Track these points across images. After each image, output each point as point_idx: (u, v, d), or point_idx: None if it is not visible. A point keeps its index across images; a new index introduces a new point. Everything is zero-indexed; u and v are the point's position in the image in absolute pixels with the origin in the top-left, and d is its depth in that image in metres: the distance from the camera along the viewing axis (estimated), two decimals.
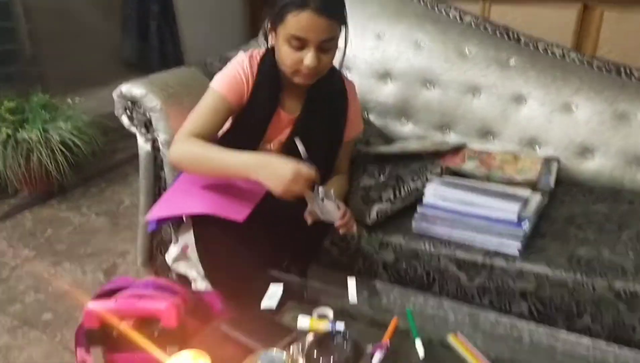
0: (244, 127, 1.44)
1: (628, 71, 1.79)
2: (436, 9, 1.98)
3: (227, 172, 1.34)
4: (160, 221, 1.42)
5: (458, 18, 1.95)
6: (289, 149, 1.50)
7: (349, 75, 2.00)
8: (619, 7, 2.26)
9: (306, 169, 1.27)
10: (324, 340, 0.94)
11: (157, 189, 1.82)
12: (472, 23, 1.93)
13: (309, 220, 1.37)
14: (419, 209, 1.51)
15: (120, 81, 1.73)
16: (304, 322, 1.12)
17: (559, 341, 1.41)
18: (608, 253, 1.40)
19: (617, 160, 1.73)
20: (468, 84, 1.88)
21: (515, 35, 1.90)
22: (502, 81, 1.85)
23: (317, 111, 1.51)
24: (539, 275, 1.37)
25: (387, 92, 1.99)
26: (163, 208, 1.40)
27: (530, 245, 1.43)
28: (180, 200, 1.39)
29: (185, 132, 1.40)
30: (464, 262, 1.44)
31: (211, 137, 1.42)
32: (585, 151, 1.77)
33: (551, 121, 1.79)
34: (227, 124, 1.48)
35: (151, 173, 1.80)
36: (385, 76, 1.99)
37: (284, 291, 1.26)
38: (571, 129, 1.77)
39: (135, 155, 1.80)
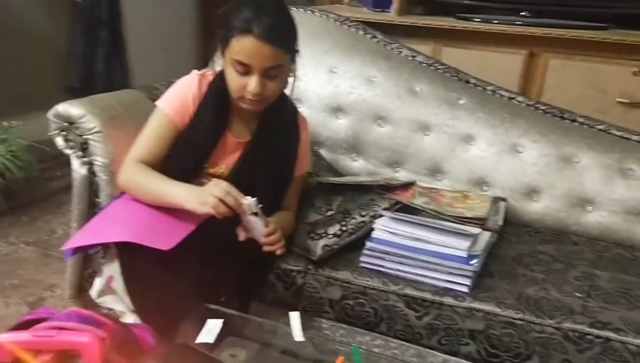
0: (188, 148, 1.39)
1: (572, 117, 1.83)
2: (389, 46, 1.99)
3: (166, 201, 1.33)
4: (79, 250, 1.32)
5: (410, 57, 1.97)
6: (237, 175, 1.44)
7: (301, 108, 1.97)
8: (563, 55, 2.35)
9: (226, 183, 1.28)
10: None
11: (92, 216, 1.70)
12: (424, 62, 1.95)
13: (241, 236, 1.33)
14: (368, 244, 1.46)
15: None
16: None
17: None
18: (556, 293, 1.38)
19: (562, 202, 1.75)
20: (419, 122, 1.88)
21: (465, 77, 1.92)
22: (452, 120, 1.86)
23: (267, 139, 1.47)
24: (488, 315, 1.34)
25: (339, 126, 1.97)
26: (82, 236, 1.30)
27: (480, 284, 1.40)
28: (103, 227, 1.30)
29: (131, 159, 1.41)
30: (413, 299, 1.40)
31: (158, 161, 1.41)
32: (531, 192, 1.78)
33: (499, 162, 1.80)
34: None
35: (85, 199, 1.69)
36: (337, 110, 1.97)
37: (223, 326, 1.17)
38: (518, 170, 1.79)
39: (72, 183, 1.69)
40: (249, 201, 1.28)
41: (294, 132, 1.53)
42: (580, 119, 1.83)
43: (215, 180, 1.27)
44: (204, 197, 1.26)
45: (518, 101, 1.87)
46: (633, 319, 1.29)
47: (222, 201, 1.24)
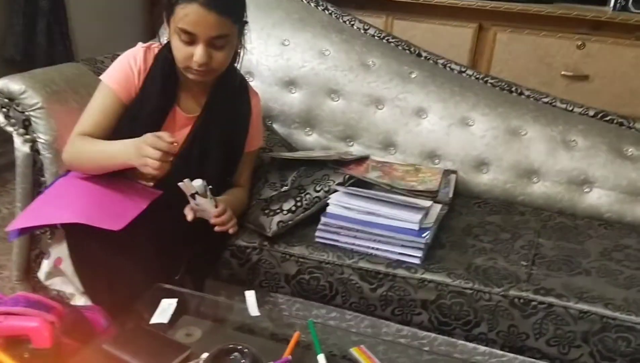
0: (135, 123, 1.35)
1: (519, 90, 1.88)
2: (341, 19, 1.98)
3: (112, 163, 1.32)
4: (24, 231, 1.28)
5: (362, 30, 1.96)
6: (187, 152, 1.42)
7: (253, 82, 1.94)
8: (510, 28, 2.40)
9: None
10: (220, 357, 0.86)
11: (37, 196, 1.64)
12: (376, 35, 1.95)
13: (189, 216, 1.31)
14: (323, 219, 1.47)
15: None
16: None
17: (457, 350, 1.42)
18: (503, 262, 1.43)
19: (510, 173, 1.80)
20: (371, 96, 1.89)
21: (417, 50, 1.93)
22: (404, 94, 1.87)
23: (217, 113, 1.44)
24: (439, 285, 1.37)
25: (292, 100, 1.95)
26: (27, 217, 1.26)
27: (431, 256, 1.44)
28: (48, 208, 1.26)
29: (75, 133, 1.37)
30: (367, 272, 1.42)
31: (104, 135, 1.37)
32: (480, 164, 1.82)
33: (450, 135, 1.84)
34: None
35: (29, 178, 1.62)
36: (289, 84, 1.95)
37: (177, 305, 1.16)
38: (468, 143, 1.82)
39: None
40: (196, 183, 1.26)
41: (244, 106, 1.51)
42: (527, 92, 1.87)
43: (144, 137, 1.24)
44: (140, 152, 1.23)
45: (468, 75, 1.90)
46: (574, 285, 1.36)
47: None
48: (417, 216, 1.41)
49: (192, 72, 1.32)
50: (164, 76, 1.38)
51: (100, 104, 1.39)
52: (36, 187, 1.64)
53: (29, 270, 1.73)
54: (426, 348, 1.44)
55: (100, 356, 1.00)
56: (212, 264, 1.52)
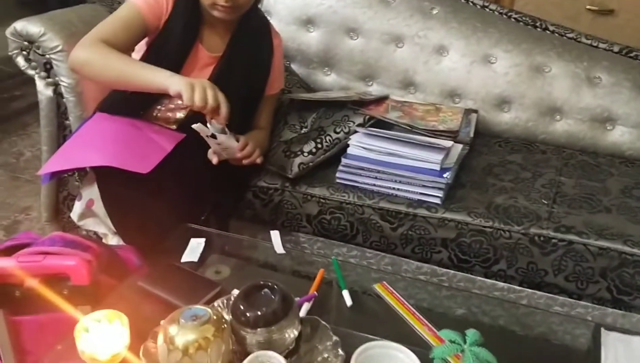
0: (158, 57, 1.33)
1: (543, 25, 1.83)
2: None
3: (137, 81, 1.25)
4: (55, 174, 1.31)
5: None
6: None
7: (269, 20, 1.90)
8: None
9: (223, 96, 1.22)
10: (251, 293, 0.90)
11: (62, 139, 1.67)
12: None
13: (214, 160, 1.32)
14: (343, 160, 1.48)
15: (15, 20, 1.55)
16: None
17: (476, 286, 1.46)
18: (523, 200, 1.44)
19: (532, 112, 1.78)
20: (391, 33, 1.85)
21: None
22: (425, 31, 1.83)
23: (241, 53, 1.43)
24: (459, 224, 1.40)
25: (310, 40, 1.93)
26: (59, 161, 1.28)
27: (451, 195, 1.45)
28: (78, 151, 1.28)
29: (92, 37, 1.27)
30: (387, 212, 1.44)
31: (120, 50, 1.29)
32: (502, 103, 1.81)
33: (471, 73, 1.81)
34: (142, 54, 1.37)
35: (53, 122, 1.65)
36: (307, 22, 1.92)
37: (205, 245, 1.20)
38: (490, 81, 1.80)
39: (36, 103, 1.63)
40: (215, 125, 1.26)
41: (267, 47, 1.50)
42: (552, 28, 1.82)
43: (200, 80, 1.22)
44: (192, 85, 1.19)
45: (491, 10, 1.85)
46: (595, 222, 1.37)
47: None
48: (438, 157, 1.41)
49: (217, 9, 1.30)
50: (187, 13, 1.35)
51: (124, 18, 1.31)
52: (61, 130, 1.66)
53: (57, 211, 1.79)
54: (445, 284, 1.48)
55: (136, 292, 1.04)
56: (236, 205, 1.55)
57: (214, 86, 1.21)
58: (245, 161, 1.34)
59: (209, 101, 1.18)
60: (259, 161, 1.36)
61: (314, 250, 1.58)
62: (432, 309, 1.26)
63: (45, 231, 1.87)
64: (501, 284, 1.43)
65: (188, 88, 1.17)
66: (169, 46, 1.37)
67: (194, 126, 1.25)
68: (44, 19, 1.55)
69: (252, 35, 1.45)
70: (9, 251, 1.11)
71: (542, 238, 1.34)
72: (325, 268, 1.20)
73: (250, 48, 1.45)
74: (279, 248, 1.20)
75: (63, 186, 1.72)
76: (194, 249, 1.17)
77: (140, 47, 1.41)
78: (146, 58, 1.37)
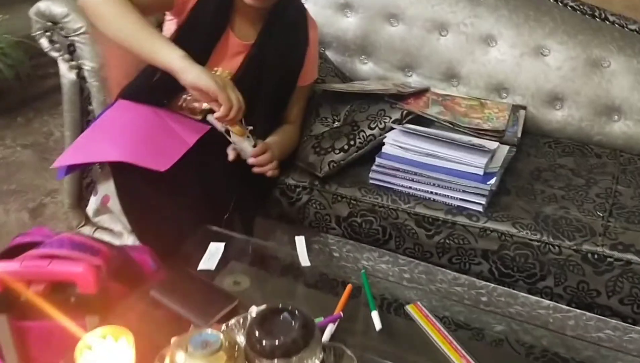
0: (186, 44, 1.21)
1: (603, 14, 1.66)
2: None
3: (148, 52, 1.14)
4: (71, 168, 1.24)
5: None
6: (240, 82, 1.33)
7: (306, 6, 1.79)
8: None
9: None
10: (268, 318, 0.81)
11: (85, 125, 1.61)
12: None
13: (230, 155, 1.24)
14: (377, 160, 1.37)
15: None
16: None
17: (518, 302, 1.34)
18: (576, 211, 1.31)
19: (587, 110, 1.63)
20: (435, 20, 1.72)
21: None
22: (472, 19, 1.69)
23: (274, 41, 1.33)
24: (503, 235, 1.28)
25: (347, 25, 1.80)
26: (74, 153, 1.21)
27: (495, 202, 1.33)
28: (95, 144, 1.20)
29: None
30: (424, 218, 1.33)
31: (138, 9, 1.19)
32: (554, 99, 1.66)
33: (521, 66, 1.66)
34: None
35: (77, 106, 1.58)
36: (344, 7, 1.80)
37: (225, 250, 1.12)
38: (541, 75, 1.65)
39: None
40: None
41: (302, 36, 1.39)
42: (612, 18, 1.66)
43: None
44: (219, 79, 1.10)
45: None
46: None
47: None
48: (482, 160, 1.29)
49: None
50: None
51: None
52: (84, 116, 1.60)
53: (80, 197, 1.73)
54: (484, 299, 1.36)
55: (147, 303, 0.97)
56: (261, 202, 1.46)
57: (232, 85, 1.13)
58: (256, 169, 1.24)
59: (240, 104, 1.11)
60: (269, 174, 1.25)
61: (343, 253, 1.48)
62: (469, 324, 1.16)
63: (68, 217, 1.84)
64: (546, 302, 1.30)
65: (222, 89, 1.09)
66: (198, 31, 1.28)
67: (208, 117, 1.16)
68: None
69: (286, 24, 1.35)
70: (18, 250, 1.05)
71: (596, 256, 1.21)
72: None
73: (284, 38, 1.35)
74: (304, 260, 1.10)
75: (87, 173, 1.66)
76: (213, 255, 1.09)
77: (166, 32, 1.33)
78: (177, 38, 1.28)
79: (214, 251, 1.10)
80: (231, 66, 1.34)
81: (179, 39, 1.27)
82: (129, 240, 1.24)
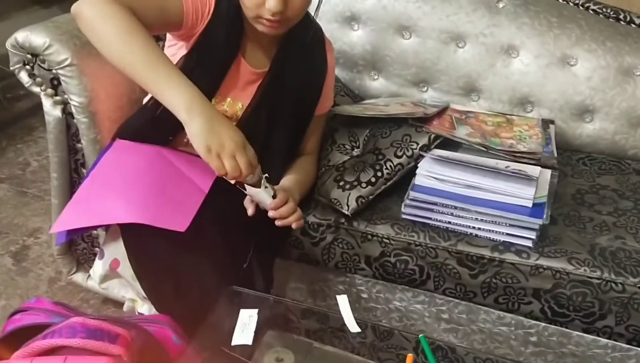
0: (194, 73, 1.06)
1: (628, 17, 1.56)
2: None
3: (150, 80, 0.96)
4: (73, 232, 1.08)
5: None
6: (254, 113, 1.19)
7: None
8: None
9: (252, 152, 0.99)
10: None
11: (74, 164, 1.44)
12: None
13: (250, 210, 1.11)
14: (412, 194, 1.24)
15: (21, 14, 1.30)
16: None
17: (572, 342, 1.23)
18: (633, 241, 1.20)
19: (620, 123, 1.52)
20: (451, 31, 1.59)
21: None
22: (491, 28, 1.57)
23: (290, 69, 1.19)
24: (558, 273, 1.16)
25: (355, 39, 1.67)
26: (75, 215, 1.05)
27: (544, 235, 1.21)
28: (100, 202, 1.04)
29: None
30: (467, 257, 1.21)
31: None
32: (584, 112, 1.55)
33: (546, 77, 1.55)
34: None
35: (64, 145, 1.42)
36: (351, 20, 1.66)
37: (259, 315, 0.97)
38: (569, 86, 1.54)
39: (42, 103, 1.40)
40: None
41: (320, 62, 1.25)
42: (638, 21, 1.56)
43: (243, 137, 0.98)
44: (216, 141, 0.94)
45: (565, 1, 1.58)
46: None
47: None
48: (530, 191, 1.17)
49: (262, 22, 1.06)
50: (229, 21, 1.11)
51: (163, 2, 1.04)
52: (72, 155, 1.44)
53: (70, 242, 1.57)
54: (533, 339, 1.25)
55: None
56: (282, 244, 1.32)
57: (243, 143, 0.97)
58: (278, 223, 1.09)
59: (243, 170, 0.96)
60: (294, 226, 1.10)
61: (372, 294, 1.35)
62: None
63: (55, 260, 1.67)
64: (604, 340, 1.20)
65: (214, 156, 0.94)
66: (207, 59, 1.13)
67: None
68: (50, 27, 1.30)
69: (303, 49, 1.21)
70: (20, 336, 0.89)
71: None
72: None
73: (302, 63, 1.21)
74: (352, 325, 0.96)
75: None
76: (246, 325, 0.95)
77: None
78: (184, 66, 1.12)
79: (247, 320, 0.95)
80: (243, 96, 1.20)
81: (185, 68, 1.13)
82: (143, 308, 1.09)
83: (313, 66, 1.24)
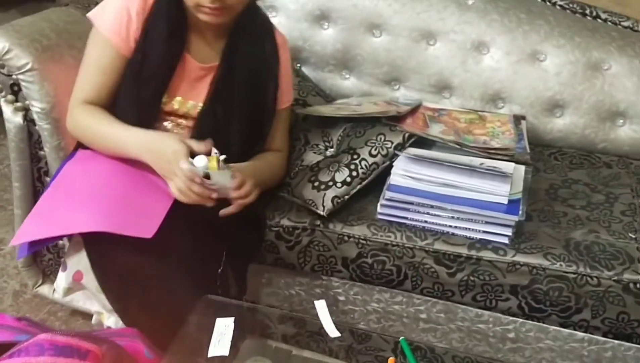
0: (139, 79, 1.12)
1: (594, 12, 1.58)
2: None
3: (121, 152, 1.13)
4: (36, 244, 1.03)
5: None
6: (209, 112, 1.17)
7: (275, 18, 1.62)
8: None
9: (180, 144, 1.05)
10: None
11: (37, 173, 1.39)
12: None
13: (213, 197, 1.08)
14: (387, 193, 1.23)
15: None
16: None
17: (549, 337, 1.23)
18: (606, 235, 1.21)
19: (590, 117, 1.54)
20: (422, 29, 1.58)
21: None
22: (461, 25, 1.57)
23: (240, 62, 1.17)
24: (534, 269, 1.16)
25: (325, 39, 1.65)
26: (36, 226, 1.01)
27: (519, 231, 1.21)
28: (62, 212, 1.01)
29: (76, 101, 1.16)
30: (444, 255, 1.20)
31: (109, 97, 1.15)
32: (554, 107, 1.56)
33: (517, 73, 1.55)
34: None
35: (26, 154, 1.37)
36: (321, 18, 1.64)
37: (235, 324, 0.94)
38: (539, 82, 1.54)
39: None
40: (199, 162, 1.02)
41: (271, 50, 1.23)
42: (604, 16, 1.58)
43: (173, 143, 1.04)
44: (179, 188, 1.03)
45: None
46: None
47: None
48: (505, 187, 1.17)
49: (204, 11, 1.05)
50: (169, 16, 1.11)
51: (97, 61, 1.15)
52: (35, 163, 1.39)
53: (35, 253, 1.51)
54: (511, 335, 1.25)
55: None
56: (256, 249, 1.29)
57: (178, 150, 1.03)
58: (239, 202, 1.09)
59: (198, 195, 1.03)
60: (249, 199, 1.11)
61: (350, 296, 1.33)
62: None
63: (20, 273, 1.60)
64: (581, 334, 1.20)
65: (177, 193, 1.03)
66: (149, 63, 1.13)
67: (183, 166, 0.99)
68: (9, 31, 1.26)
69: (252, 38, 1.19)
70: None
71: (638, 285, 1.11)
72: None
73: (251, 55, 1.19)
74: (332, 331, 0.94)
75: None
76: (222, 335, 0.91)
77: None
78: (126, 83, 1.15)
79: (223, 330, 0.92)
80: (193, 94, 1.17)
81: (130, 75, 1.13)
82: (110, 320, 1.05)
83: (264, 55, 1.21)
